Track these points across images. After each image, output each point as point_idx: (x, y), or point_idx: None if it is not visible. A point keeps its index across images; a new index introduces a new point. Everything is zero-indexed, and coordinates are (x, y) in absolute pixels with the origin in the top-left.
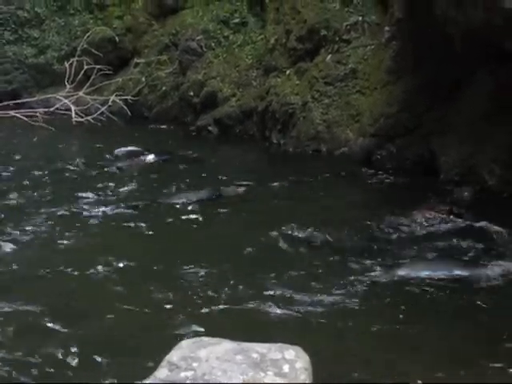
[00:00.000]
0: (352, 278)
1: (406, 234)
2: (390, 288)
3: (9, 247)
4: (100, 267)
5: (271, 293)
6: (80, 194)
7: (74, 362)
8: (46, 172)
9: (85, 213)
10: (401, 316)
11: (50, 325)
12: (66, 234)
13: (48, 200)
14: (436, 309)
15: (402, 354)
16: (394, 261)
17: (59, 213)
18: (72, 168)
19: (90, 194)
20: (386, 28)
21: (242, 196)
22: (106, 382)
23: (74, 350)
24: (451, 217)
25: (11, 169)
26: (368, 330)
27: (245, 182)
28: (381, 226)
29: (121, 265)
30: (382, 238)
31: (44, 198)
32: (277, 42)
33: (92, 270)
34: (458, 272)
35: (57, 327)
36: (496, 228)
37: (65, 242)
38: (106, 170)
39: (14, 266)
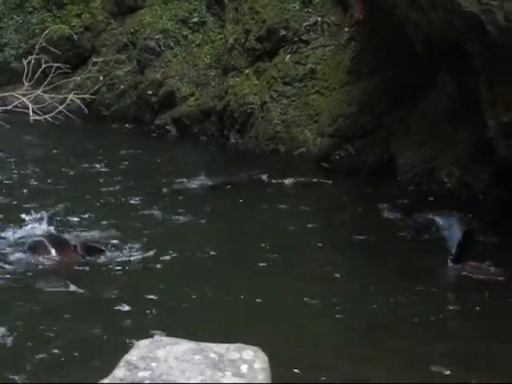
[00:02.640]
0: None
1: None
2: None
3: None
4: None
5: (231, 292)
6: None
7: (31, 362)
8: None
9: None
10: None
11: None
12: None
13: None
14: None
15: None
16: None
17: None
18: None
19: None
20: (346, 29)
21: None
22: (65, 381)
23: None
24: None
25: None
26: (327, 331)
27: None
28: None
29: None
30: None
31: None
32: (236, 42)
33: None
34: None
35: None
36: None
37: None
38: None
39: None
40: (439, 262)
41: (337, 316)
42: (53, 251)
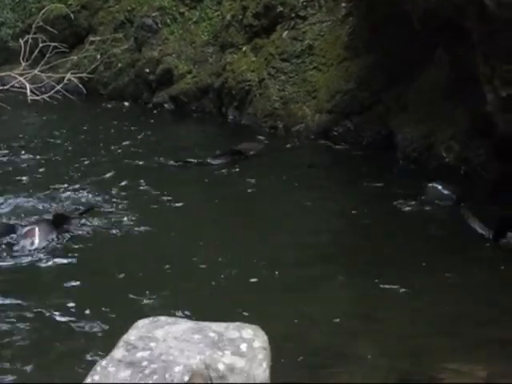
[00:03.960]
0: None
1: None
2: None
3: None
4: None
5: (231, 270)
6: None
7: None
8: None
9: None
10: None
11: None
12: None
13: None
14: None
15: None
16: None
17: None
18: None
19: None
20: (343, 4)
21: None
22: (63, 362)
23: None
24: None
25: None
26: (328, 309)
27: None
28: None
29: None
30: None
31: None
32: (233, 19)
33: None
34: None
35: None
36: None
37: None
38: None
39: None
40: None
41: (338, 294)
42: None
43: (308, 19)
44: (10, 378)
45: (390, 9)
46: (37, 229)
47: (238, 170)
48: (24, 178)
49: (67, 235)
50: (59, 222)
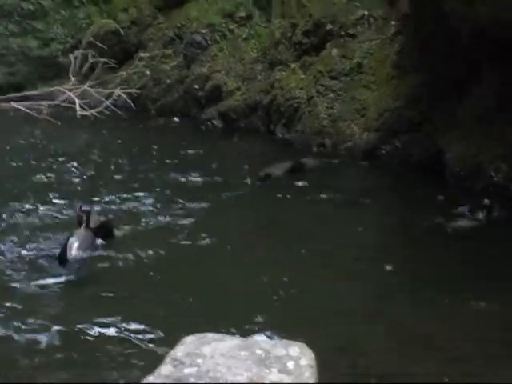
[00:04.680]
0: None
1: None
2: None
3: None
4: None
5: (281, 287)
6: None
7: (78, 358)
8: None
9: None
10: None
11: None
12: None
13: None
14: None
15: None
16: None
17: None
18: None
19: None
20: (392, 22)
21: None
22: (110, 377)
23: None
24: None
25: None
26: (374, 327)
27: None
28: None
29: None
30: None
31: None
32: (282, 36)
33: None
34: None
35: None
36: None
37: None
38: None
39: None
40: None
41: (388, 316)
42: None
43: (357, 37)
44: None
45: (438, 27)
46: (79, 239)
47: (293, 185)
48: (72, 190)
49: (112, 247)
50: (103, 233)
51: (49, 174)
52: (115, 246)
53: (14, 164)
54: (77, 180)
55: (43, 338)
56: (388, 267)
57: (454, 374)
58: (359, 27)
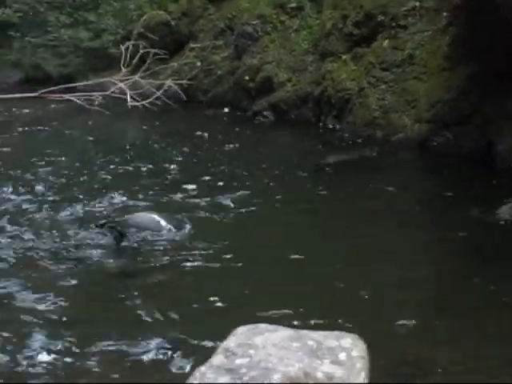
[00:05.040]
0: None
1: None
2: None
3: None
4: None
5: (333, 276)
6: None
7: (138, 351)
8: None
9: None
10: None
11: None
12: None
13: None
14: None
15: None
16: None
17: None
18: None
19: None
20: (444, 14)
21: None
22: (163, 367)
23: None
24: None
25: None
26: (430, 321)
27: None
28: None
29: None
30: None
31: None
32: (333, 27)
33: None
34: None
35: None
36: None
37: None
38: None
39: None
40: None
41: (448, 308)
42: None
43: (409, 28)
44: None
45: (489, 18)
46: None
47: (347, 175)
48: (126, 183)
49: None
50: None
51: (107, 166)
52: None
53: (69, 156)
54: (133, 171)
55: (99, 323)
56: (443, 259)
57: None
58: (410, 18)
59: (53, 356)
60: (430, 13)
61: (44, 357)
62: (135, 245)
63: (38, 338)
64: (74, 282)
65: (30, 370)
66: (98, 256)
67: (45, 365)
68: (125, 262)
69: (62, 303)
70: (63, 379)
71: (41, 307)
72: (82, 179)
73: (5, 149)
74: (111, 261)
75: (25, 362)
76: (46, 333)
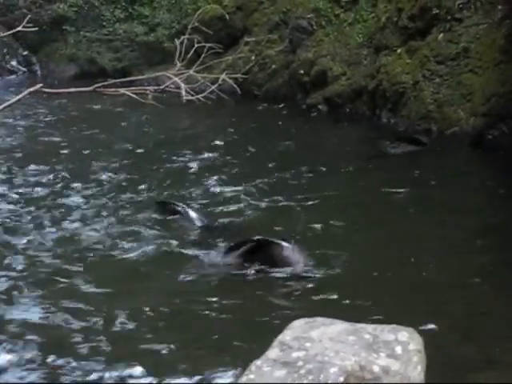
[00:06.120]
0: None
1: None
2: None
3: None
4: None
5: (390, 270)
6: None
7: (190, 345)
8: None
9: None
10: None
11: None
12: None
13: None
14: None
15: None
16: None
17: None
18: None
19: None
20: (499, 7)
21: None
22: (219, 361)
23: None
24: None
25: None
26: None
27: None
28: None
29: None
30: None
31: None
32: (388, 21)
33: None
34: None
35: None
36: None
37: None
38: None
39: None
40: None
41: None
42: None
43: (464, 22)
44: (162, 372)
45: None
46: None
47: (403, 166)
48: (182, 180)
49: None
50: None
51: (167, 162)
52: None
53: (127, 150)
54: (180, 166)
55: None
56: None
57: None
58: (466, 11)
59: None
60: (485, 6)
61: None
62: None
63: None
64: None
65: None
66: None
67: None
68: None
69: None
70: None
71: None
72: (152, 168)
73: (64, 143)
74: None
75: None
76: None
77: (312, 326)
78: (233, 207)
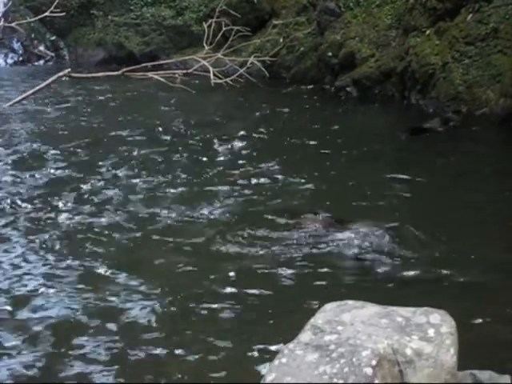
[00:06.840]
0: None
1: None
2: None
3: None
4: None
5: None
6: None
7: (222, 328)
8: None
9: None
10: None
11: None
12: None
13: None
14: None
15: None
16: None
17: None
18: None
19: None
20: None
21: None
22: (252, 345)
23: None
24: None
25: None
26: None
27: None
28: None
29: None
30: None
31: None
32: (416, 2)
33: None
34: None
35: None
36: None
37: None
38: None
39: None
40: None
41: None
42: None
43: (493, 2)
44: (198, 357)
45: None
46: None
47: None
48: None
49: None
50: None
51: (199, 146)
52: None
53: (157, 135)
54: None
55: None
56: None
57: None
58: None
59: None
60: None
61: None
62: None
63: None
64: None
65: None
66: None
67: None
68: None
69: None
70: None
71: None
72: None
73: (98, 125)
74: None
75: None
76: None
77: (344, 310)
78: (286, 188)
